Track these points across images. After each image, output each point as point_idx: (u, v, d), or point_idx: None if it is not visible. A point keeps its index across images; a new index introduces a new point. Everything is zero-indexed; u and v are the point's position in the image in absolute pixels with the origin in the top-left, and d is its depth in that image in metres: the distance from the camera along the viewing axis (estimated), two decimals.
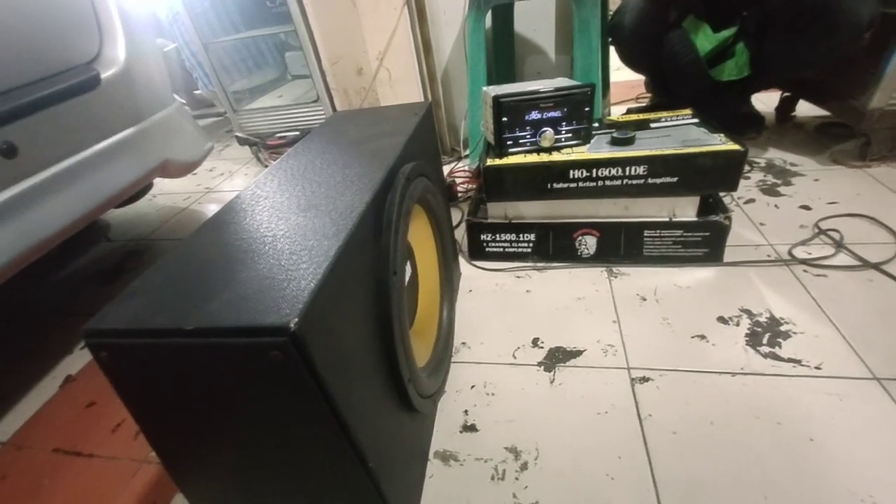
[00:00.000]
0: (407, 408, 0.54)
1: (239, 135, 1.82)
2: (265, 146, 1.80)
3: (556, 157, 0.90)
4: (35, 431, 0.82)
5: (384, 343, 0.48)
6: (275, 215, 0.46)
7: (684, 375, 0.70)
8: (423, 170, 0.64)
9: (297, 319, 0.30)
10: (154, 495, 0.67)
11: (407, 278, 0.67)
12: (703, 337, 0.76)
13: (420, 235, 0.72)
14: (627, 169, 0.86)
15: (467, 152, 1.56)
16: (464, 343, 0.83)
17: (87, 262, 1.37)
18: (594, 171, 0.88)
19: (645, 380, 0.70)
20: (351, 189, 0.49)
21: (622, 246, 0.95)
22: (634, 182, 0.87)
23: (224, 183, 1.81)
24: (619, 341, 0.78)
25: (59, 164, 0.83)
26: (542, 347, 0.80)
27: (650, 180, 0.86)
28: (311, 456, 0.40)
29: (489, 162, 0.92)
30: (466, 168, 1.41)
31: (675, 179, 0.85)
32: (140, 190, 1.39)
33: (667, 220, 0.91)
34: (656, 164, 0.84)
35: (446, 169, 1.44)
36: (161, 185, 1.88)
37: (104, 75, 0.95)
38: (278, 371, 0.33)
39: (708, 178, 0.84)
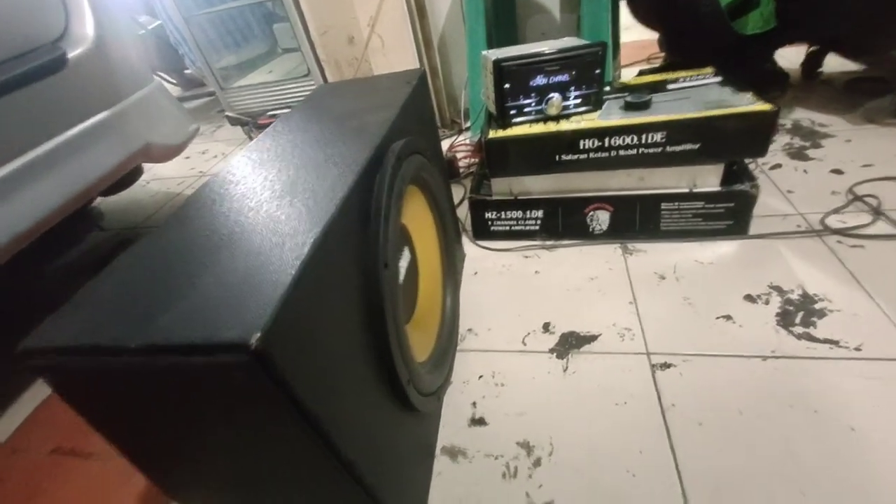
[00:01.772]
0: (408, 409, 0.50)
1: (229, 114, 1.74)
2: (257, 126, 1.73)
3: (564, 125, 0.82)
4: (32, 433, 0.80)
5: (377, 343, 0.42)
6: (245, 205, 0.40)
7: (710, 360, 0.65)
8: (416, 146, 0.57)
9: (259, 334, 0.25)
10: (152, 495, 0.65)
11: (405, 265, 0.62)
12: (728, 317, 0.70)
13: (417, 217, 0.66)
14: (643, 136, 0.78)
15: (468, 124, 1.48)
16: (470, 330, 0.78)
17: (79, 252, 1.33)
18: (606, 139, 0.80)
19: (666, 366, 0.65)
20: (333, 172, 0.43)
21: (637, 220, 0.88)
22: (651, 151, 0.79)
23: (218, 166, 1.74)
24: (637, 324, 0.72)
25: (29, 154, 0.77)
26: (553, 333, 0.74)
27: (669, 148, 0.79)
28: (300, 473, 0.36)
29: (491, 134, 0.84)
30: (468, 141, 1.33)
31: (696, 146, 0.77)
32: (130, 175, 1.33)
33: (687, 191, 0.83)
34: (676, 130, 0.77)
35: (446, 144, 1.36)
36: (154, 170, 1.82)
37: (71, 55, 0.88)
38: (244, 391, 0.28)
39: (734, 143, 0.76)
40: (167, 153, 1.06)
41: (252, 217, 0.38)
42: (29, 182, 0.75)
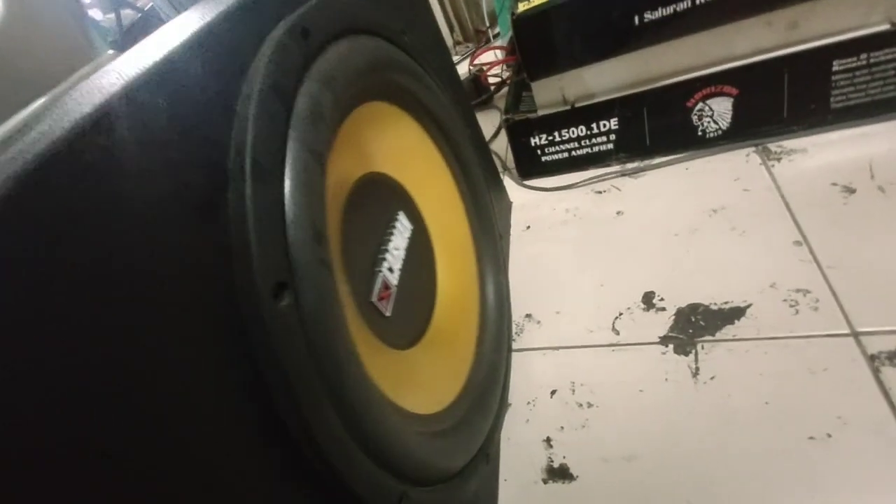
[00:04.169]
0: None
1: None
2: None
3: None
4: None
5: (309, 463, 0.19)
6: None
7: None
8: (362, 18, 0.30)
9: None
10: None
11: (402, 245, 0.38)
12: None
13: (412, 158, 0.40)
14: None
15: (497, 30, 1.13)
16: (528, 316, 0.53)
17: None
18: None
19: None
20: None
21: (786, 101, 0.53)
22: None
23: None
24: (820, 280, 0.42)
25: None
26: (662, 308, 0.47)
27: None
28: None
29: (521, 7, 0.53)
30: (497, 44, 1.00)
31: None
32: None
33: (884, 28, 0.47)
34: None
35: (466, 68, 1.03)
36: None
37: None
38: None
39: None
40: None
41: None
42: None
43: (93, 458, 0.14)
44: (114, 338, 0.14)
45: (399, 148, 0.38)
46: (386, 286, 0.35)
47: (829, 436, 0.34)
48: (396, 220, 0.38)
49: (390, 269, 0.36)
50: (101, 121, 0.15)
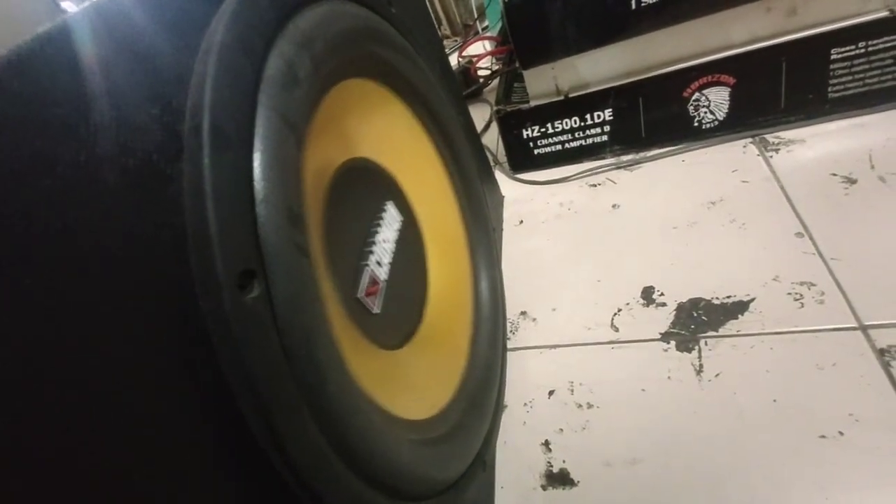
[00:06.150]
0: None
1: None
2: None
3: None
4: None
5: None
6: None
7: None
8: None
9: None
10: None
11: (391, 237, 0.35)
12: None
13: (403, 146, 0.38)
14: None
15: (486, 24, 1.11)
16: (523, 313, 0.51)
17: None
18: None
19: None
20: None
21: (783, 91, 0.52)
22: None
23: None
24: (824, 272, 0.40)
25: None
26: (662, 304, 0.45)
27: None
28: None
29: None
30: (487, 35, 0.98)
31: None
32: None
33: (884, 15, 0.46)
34: None
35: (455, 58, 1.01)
36: None
37: None
38: None
39: None
40: None
41: None
42: None
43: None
44: (43, 335, 0.12)
45: (386, 132, 0.35)
46: (374, 281, 0.32)
47: (842, 434, 0.32)
48: (384, 210, 0.36)
49: (378, 263, 0.34)
50: (19, 65, 0.12)
